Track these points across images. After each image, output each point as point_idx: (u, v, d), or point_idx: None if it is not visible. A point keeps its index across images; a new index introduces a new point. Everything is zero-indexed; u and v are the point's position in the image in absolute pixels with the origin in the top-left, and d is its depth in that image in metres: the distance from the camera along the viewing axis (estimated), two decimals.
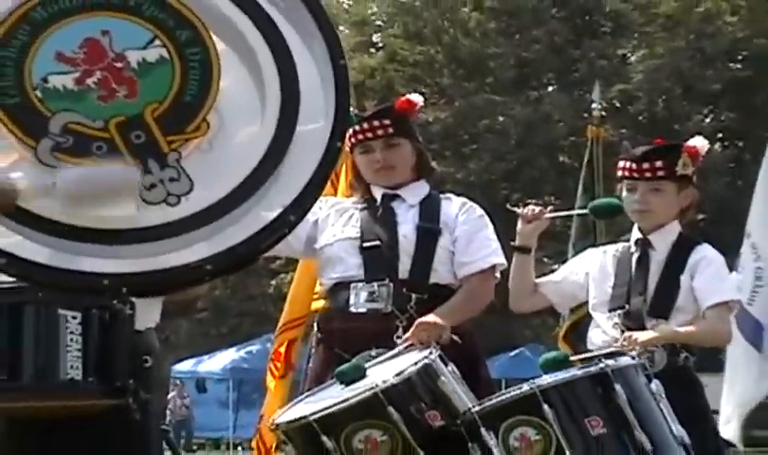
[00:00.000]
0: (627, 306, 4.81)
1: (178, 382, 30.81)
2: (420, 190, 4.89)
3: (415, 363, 3.93)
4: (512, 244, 4.88)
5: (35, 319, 3.42)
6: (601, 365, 3.91)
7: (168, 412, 28.97)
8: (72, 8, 3.42)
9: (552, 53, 33.14)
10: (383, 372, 4.00)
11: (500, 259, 4.80)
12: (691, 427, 4.06)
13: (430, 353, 3.99)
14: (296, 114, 3.41)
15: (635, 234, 4.95)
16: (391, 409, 3.81)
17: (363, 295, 4.67)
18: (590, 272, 4.99)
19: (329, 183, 5.86)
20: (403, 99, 4.96)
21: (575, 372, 3.97)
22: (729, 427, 8.70)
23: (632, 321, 4.76)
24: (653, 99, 31.87)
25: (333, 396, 3.96)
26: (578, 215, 4.83)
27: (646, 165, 4.88)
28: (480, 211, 4.88)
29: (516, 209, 4.89)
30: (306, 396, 4.23)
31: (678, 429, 3.95)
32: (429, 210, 4.82)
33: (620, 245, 5.00)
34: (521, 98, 32.69)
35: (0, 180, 3.27)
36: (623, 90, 31.32)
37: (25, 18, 3.39)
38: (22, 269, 3.29)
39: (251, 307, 34.20)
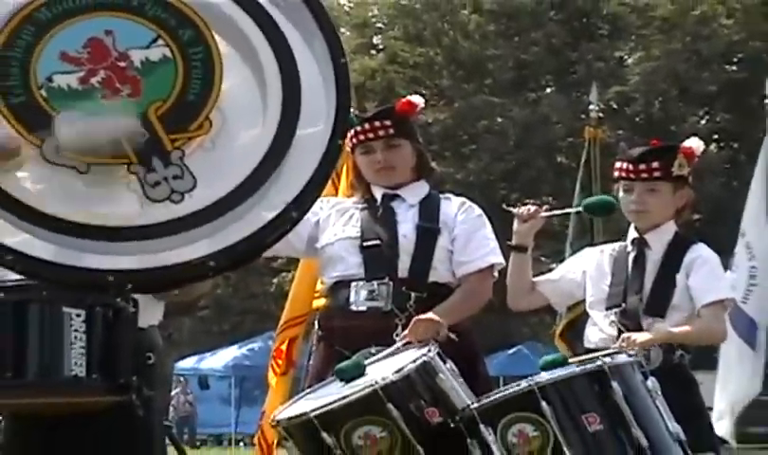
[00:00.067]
0: (623, 305, 4.81)
1: (182, 379, 30.83)
2: (420, 190, 4.89)
3: (414, 360, 3.92)
4: (508, 243, 4.88)
5: (40, 317, 3.42)
6: (598, 362, 3.91)
7: (171, 409, 29.01)
8: (76, 8, 3.42)
9: (550, 55, 33.14)
10: (382, 369, 4.00)
11: (498, 258, 4.80)
12: (687, 423, 4.06)
13: (429, 350, 3.98)
14: (297, 113, 3.41)
15: (632, 234, 4.96)
16: (390, 405, 3.81)
17: (363, 293, 4.67)
18: (587, 271, 4.99)
19: (330, 183, 5.87)
20: (404, 100, 4.96)
21: (572, 369, 3.96)
22: (722, 424, 8.71)
23: (629, 320, 4.76)
24: (650, 100, 31.88)
25: (333, 393, 3.96)
26: (573, 214, 4.81)
27: (642, 166, 4.88)
28: (478, 211, 4.88)
29: (512, 208, 4.89)
30: (307, 393, 4.23)
31: (674, 426, 3.95)
32: (429, 210, 4.82)
33: (617, 245, 5.00)
34: (519, 99, 32.70)
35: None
36: (620, 92, 31.34)
37: (29, 19, 3.40)
38: (28, 266, 3.29)
39: (253, 305, 34.22)
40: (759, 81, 12.41)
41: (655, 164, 4.87)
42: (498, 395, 3.89)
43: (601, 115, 10.93)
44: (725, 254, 7.01)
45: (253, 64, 3.45)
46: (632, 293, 4.81)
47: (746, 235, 9.14)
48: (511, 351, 29.68)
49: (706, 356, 7.76)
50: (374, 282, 4.67)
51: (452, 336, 4.43)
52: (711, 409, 8.39)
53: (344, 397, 3.86)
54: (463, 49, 33.40)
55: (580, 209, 5.01)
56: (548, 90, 34.26)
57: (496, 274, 4.84)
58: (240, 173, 3.36)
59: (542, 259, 23.09)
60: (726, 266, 5.40)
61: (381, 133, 4.84)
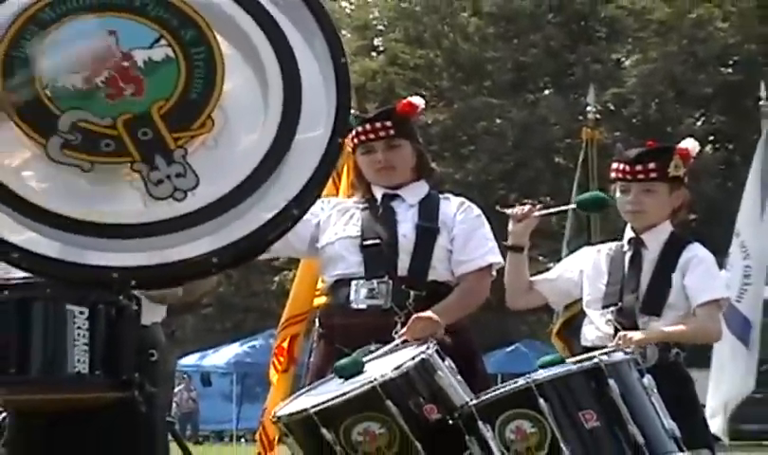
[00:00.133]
0: (620, 303, 4.80)
1: (185, 376, 30.84)
2: (420, 190, 4.89)
3: (413, 358, 3.92)
4: (504, 243, 4.87)
5: (43, 315, 3.42)
6: (595, 360, 3.91)
7: (174, 405, 29.01)
8: (80, 8, 3.42)
9: (548, 57, 33.13)
10: (381, 366, 3.99)
11: (496, 258, 4.80)
12: (682, 420, 4.05)
13: (428, 348, 3.98)
14: (298, 112, 3.41)
15: (628, 233, 4.95)
16: (389, 402, 3.80)
17: (363, 292, 4.67)
18: (584, 270, 4.98)
19: (331, 182, 5.87)
20: (405, 101, 4.96)
21: (569, 366, 3.96)
22: (715, 421, 8.71)
23: (625, 318, 4.75)
24: (647, 102, 31.86)
25: (333, 390, 3.95)
26: (566, 211, 4.79)
27: (639, 167, 4.87)
28: (477, 211, 4.87)
29: (506, 210, 4.88)
30: (307, 390, 4.23)
31: (669, 423, 3.95)
32: (428, 210, 4.82)
33: (614, 244, 5.00)
34: (518, 100, 32.69)
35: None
36: (617, 94, 31.31)
37: (33, 19, 3.39)
38: (33, 263, 3.30)
39: (255, 303, 34.22)
40: (754, 84, 12.42)
41: (652, 165, 4.87)
42: (496, 392, 3.88)
43: (598, 116, 10.92)
44: (720, 254, 7.01)
45: (255, 64, 3.45)
46: (629, 292, 4.81)
47: (741, 235, 9.14)
48: (509, 349, 29.67)
49: (701, 354, 7.76)
50: (374, 281, 4.67)
51: (446, 338, 4.43)
52: (704, 406, 8.39)
53: (344, 394, 3.85)
54: (462, 51, 33.39)
55: (573, 206, 4.99)
56: (546, 92, 34.24)
57: (494, 273, 4.84)
58: (242, 171, 3.36)
59: (540, 258, 23.11)
60: (721, 265, 5.40)
61: (382, 133, 4.84)
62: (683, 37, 31.16)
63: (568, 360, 4.08)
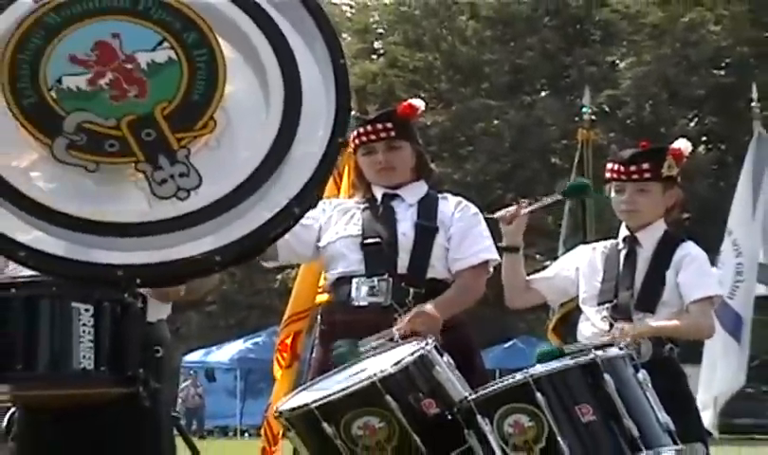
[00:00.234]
0: (615, 300, 4.80)
1: (192, 372, 30.88)
2: (419, 189, 4.89)
3: (412, 353, 3.91)
4: (499, 245, 4.86)
5: (50, 312, 3.40)
6: (591, 356, 3.90)
7: (180, 400, 29.05)
8: (84, 12, 3.42)
9: (544, 60, 33.15)
10: (381, 361, 3.99)
11: (492, 255, 4.79)
12: (676, 414, 4.04)
13: (427, 343, 3.97)
14: (299, 113, 3.41)
15: (623, 232, 4.95)
16: (388, 397, 3.80)
17: (364, 289, 4.68)
18: (580, 268, 4.99)
19: (333, 183, 5.87)
20: (405, 103, 4.96)
21: (566, 361, 3.95)
22: (705, 415, 8.69)
23: (620, 315, 4.76)
24: (641, 103, 31.88)
25: (334, 385, 3.95)
26: (552, 203, 4.78)
27: (633, 167, 4.88)
28: (474, 210, 4.87)
29: (494, 215, 4.87)
30: (309, 385, 4.22)
31: (664, 417, 3.94)
32: (427, 209, 4.83)
33: (609, 243, 5.00)
34: (515, 102, 32.71)
35: None
36: (612, 95, 31.33)
37: (39, 23, 3.39)
38: (40, 262, 3.29)
39: (258, 301, 34.25)
40: (746, 86, 12.43)
41: (645, 165, 4.88)
42: (494, 387, 3.87)
43: (594, 118, 10.93)
44: (713, 251, 7.00)
45: (256, 66, 3.45)
46: (624, 289, 4.81)
47: (733, 233, 9.13)
48: (507, 345, 29.71)
49: (693, 350, 7.75)
50: (375, 279, 4.68)
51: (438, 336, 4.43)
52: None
53: (344, 389, 3.85)
54: (460, 54, 33.41)
55: (559, 196, 4.96)
56: (543, 94, 34.27)
57: (491, 270, 4.84)
58: (244, 171, 3.36)
59: (537, 256, 23.11)
60: (713, 263, 5.39)
61: (383, 135, 4.84)
62: (676, 40, 31.17)
63: (567, 351, 4.07)
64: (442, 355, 3.98)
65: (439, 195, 4.92)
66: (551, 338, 7.66)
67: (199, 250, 3.29)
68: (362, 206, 4.87)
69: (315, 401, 3.86)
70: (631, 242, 4.90)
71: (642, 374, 3.98)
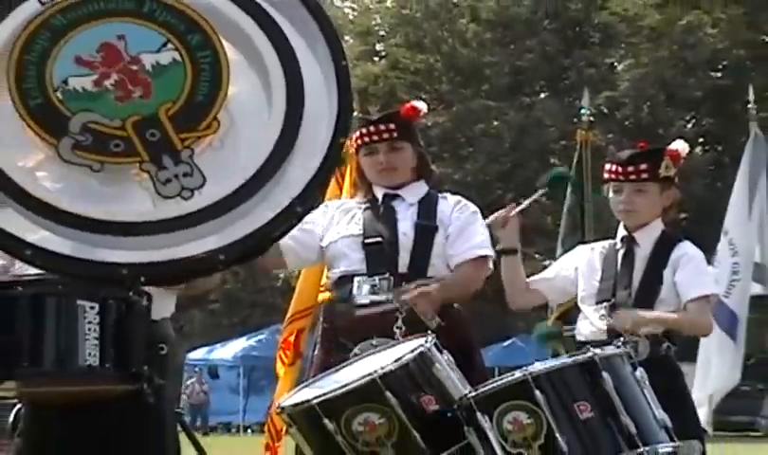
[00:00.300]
0: (613, 299, 4.81)
1: (197, 370, 30.89)
2: (419, 189, 4.89)
3: (412, 351, 3.92)
4: (496, 249, 4.85)
5: (56, 310, 3.40)
6: (589, 354, 3.90)
7: (185, 397, 29.05)
8: (90, 14, 3.42)
9: (544, 62, 33.13)
10: (381, 359, 3.99)
11: (487, 251, 4.78)
12: (673, 411, 4.04)
13: (426, 341, 3.98)
14: (301, 113, 3.41)
15: (621, 232, 4.96)
16: (388, 393, 3.80)
17: (365, 287, 4.69)
18: (579, 267, 4.99)
19: (335, 184, 5.87)
20: (408, 105, 4.96)
21: (564, 360, 3.96)
22: (700, 413, 8.68)
23: None
24: (639, 105, 31.85)
25: (334, 382, 3.95)
26: (540, 197, 4.77)
27: (631, 168, 4.88)
28: (473, 208, 4.87)
29: (485, 221, 4.85)
30: (311, 382, 4.23)
31: (660, 414, 3.94)
32: (427, 209, 4.83)
33: (607, 242, 5.01)
34: (514, 104, 32.69)
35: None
36: (610, 97, 31.30)
37: (45, 25, 3.39)
38: (47, 261, 3.29)
39: (261, 299, 34.25)
40: (743, 88, 12.42)
41: (643, 166, 4.88)
42: (494, 385, 3.88)
43: (592, 119, 10.92)
44: (709, 251, 6.99)
45: (259, 68, 3.45)
46: (621, 288, 4.81)
47: (729, 233, 9.14)
48: (506, 343, 29.71)
49: (689, 349, 7.75)
50: (376, 277, 4.69)
51: (441, 321, 4.44)
52: None
53: (345, 385, 3.85)
54: (461, 56, 33.40)
55: (542, 190, 4.92)
56: (542, 95, 34.25)
57: (490, 266, 4.82)
58: (247, 171, 3.36)
59: (536, 256, 23.12)
60: (709, 262, 5.39)
61: (385, 135, 4.85)
62: (673, 42, 31.15)
63: (566, 334, 4.06)
64: (442, 353, 3.98)
65: (439, 195, 4.92)
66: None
67: (203, 249, 3.29)
68: (363, 206, 4.88)
69: (316, 397, 3.87)
70: (629, 241, 4.90)
71: (639, 372, 3.98)
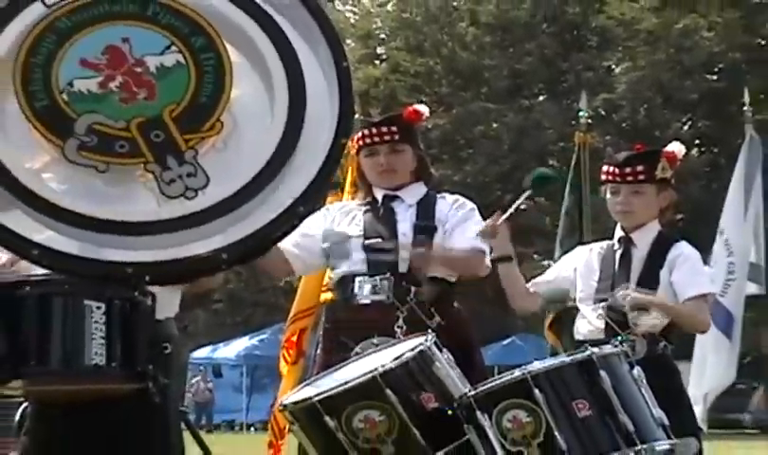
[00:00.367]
0: (610, 299, 4.79)
1: (202, 368, 30.90)
2: (418, 190, 4.89)
3: (412, 349, 3.91)
4: (492, 259, 4.83)
5: (62, 309, 3.39)
6: (587, 353, 3.90)
7: (190, 395, 29.06)
8: (95, 17, 3.42)
9: (542, 65, 33.15)
10: (382, 357, 3.99)
11: (483, 245, 4.76)
12: (670, 409, 4.04)
13: (427, 339, 3.98)
14: (303, 115, 3.41)
15: (618, 233, 4.96)
16: (388, 391, 3.79)
17: (367, 287, 4.69)
18: (577, 268, 4.99)
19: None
20: (411, 109, 4.96)
21: (563, 359, 3.96)
22: (695, 410, 8.69)
23: (616, 313, 4.75)
24: (636, 107, 31.86)
25: (336, 380, 3.95)
26: (526, 199, 4.74)
27: (628, 169, 4.88)
28: (471, 206, 4.87)
29: (476, 232, 4.82)
30: (313, 380, 4.23)
31: (658, 412, 3.94)
32: (426, 209, 4.83)
33: (605, 243, 5.01)
34: (513, 106, 32.70)
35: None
36: (608, 99, 31.32)
37: (51, 27, 3.39)
38: (53, 261, 3.29)
39: (263, 299, 34.24)
40: (738, 90, 12.40)
41: (640, 167, 4.88)
42: (493, 383, 3.87)
43: (590, 121, 10.88)
44: (705, 251, 6.99)
45: (261, 70, 3.45)
46: (619, 288, 4.80)
47: (725, 233, 9.13)
48: (505, 342, 29.72)
49: (685, 347, 7.75)
50: (377, 277, 4.68)
51: (441, 321, 4.43)
52: None
53: (345, 383, 3.85)
54: (461, 59, 33.40)
55: (527, 192, 4.85)
56: (540, 98, 34.26)
57: (488, 263, 4.80)
58: (250, 172, 3.36)
59: (535, 256, 23.12)
60: (705, 262, 5.39)
61: (387, 137, 4.85)
62: (670, 46, 31.15)
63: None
64: (442, 352, 3.98)
65: (437, 195, 4.92)
66: (547, 335, 7.66)
67: (207, 249, 3.29)
68: (364, 207, 4.88)
69: (317, 395, 3.87)
70: (626, 242, 4.90)
71: (637, 371, 3.98)
